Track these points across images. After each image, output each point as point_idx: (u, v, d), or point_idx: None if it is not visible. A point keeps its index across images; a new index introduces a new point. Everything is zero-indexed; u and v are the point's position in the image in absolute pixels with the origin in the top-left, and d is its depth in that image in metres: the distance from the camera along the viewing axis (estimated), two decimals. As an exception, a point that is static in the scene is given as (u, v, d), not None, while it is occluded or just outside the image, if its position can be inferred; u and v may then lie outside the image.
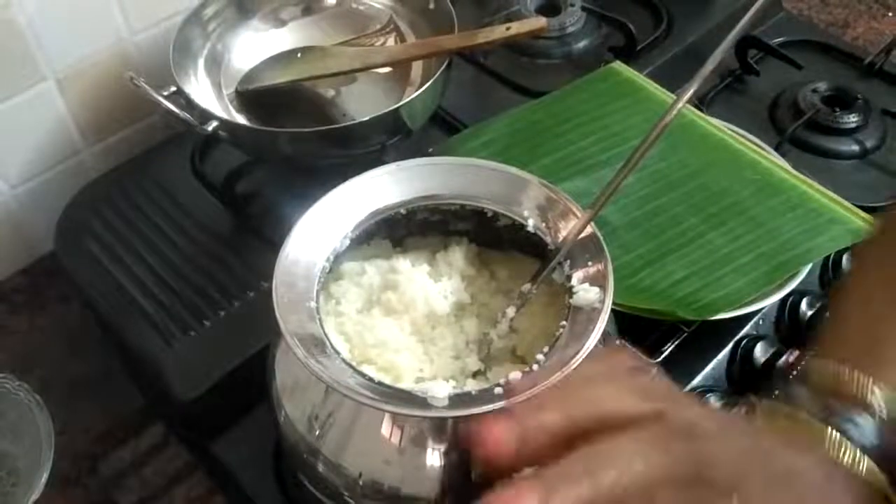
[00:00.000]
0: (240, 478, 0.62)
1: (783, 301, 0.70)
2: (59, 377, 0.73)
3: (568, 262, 0.49)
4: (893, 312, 0.42)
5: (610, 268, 0.47)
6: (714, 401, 0.64)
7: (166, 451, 0.69)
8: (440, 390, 0.42)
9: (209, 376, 0.63)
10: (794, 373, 0.42)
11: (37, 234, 0.81)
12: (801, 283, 0.66)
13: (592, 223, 0.49)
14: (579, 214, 0.50)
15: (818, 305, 0.70)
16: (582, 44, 0.94)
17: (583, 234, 0.49)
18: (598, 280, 0.47)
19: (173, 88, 0.72)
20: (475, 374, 0.51)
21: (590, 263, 0.48)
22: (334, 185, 0.52)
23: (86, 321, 0.76)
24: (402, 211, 0.53)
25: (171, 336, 0.66)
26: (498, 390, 0.42)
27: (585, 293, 0.47)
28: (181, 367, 0.64)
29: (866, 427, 0.39)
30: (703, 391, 0.65)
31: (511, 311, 0.51)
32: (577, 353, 0.43)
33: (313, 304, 0.46)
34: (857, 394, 0.39)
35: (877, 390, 0.39)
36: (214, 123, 0.70)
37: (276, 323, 0.45)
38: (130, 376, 0.73)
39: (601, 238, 0.49)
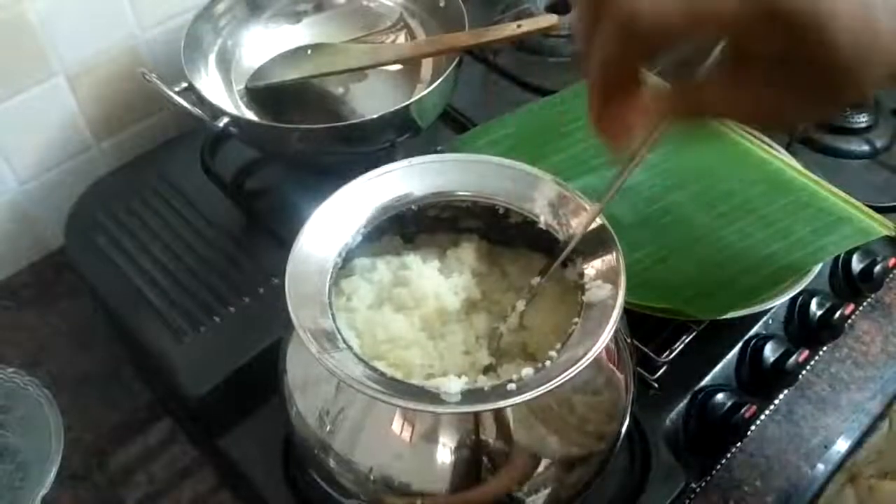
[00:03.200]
0: (248, 474, 0.62)
1: (793, 300, 0.70)
2: (67, 373, 0.73)
3: (580, 258, 0.49)
4: None
5: (622, 260, 0.47)
6: (723, 398, 0.64)
7: (174, 446, 0.69)
8: (453, 386, 0.42)
9: (218, 372, 0.63)
10: None
11: (46, 231, 0.81)
12: (811, 282, 0.66)
13: (602, 216, 0.49)
14: (589, 209, 0.50)
15: (828, 305, 0.70)
16: (591, 42, 0.93)
17: (593, 227, 0.49)
18: (609, 276, 0.47)
19: (184, 84, 0.73)
20: (486, 370, 0.51)
21: (601, 258, 0.48)
22: (343, 183, 0.52)
23: (95, 317, 0.76)
24: (413, 207, 0.53)
25: (181, 332, 0.66)
26: (511, 386, 0.42)
27: (598, 289, 0.46)
28: (190, 363, 0.64)
29: None
30: (712, 390, 0.65)
31: (521, 305, 0.51)
32: (589, 349, 0.43)
33: (325, 298, 0.46)
34: None
35: None
36: (225, 119, 0.70)
37: (288, 317, 0.45)
38: (139, 372, 0.73)
39: (611, 230, 0.49)
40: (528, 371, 0.43)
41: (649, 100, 0.37)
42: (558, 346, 0.45)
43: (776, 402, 0.68)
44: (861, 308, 0.75)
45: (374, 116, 0.70)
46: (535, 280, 0.51)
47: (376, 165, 0.54)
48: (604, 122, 0.38)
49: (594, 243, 0.49)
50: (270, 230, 0.74)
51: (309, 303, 0.46)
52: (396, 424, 0.45)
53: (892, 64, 0.31)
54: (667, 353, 0.65)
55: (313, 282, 0.47)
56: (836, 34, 0.30)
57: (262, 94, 0.80)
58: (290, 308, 0.45)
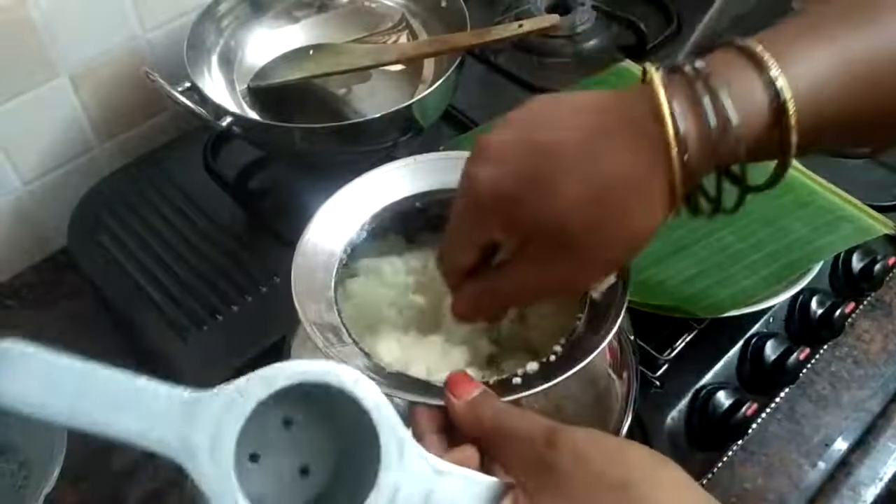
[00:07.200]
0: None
1: (793, 299, 0.70)
2: (70, 372, 0.73)
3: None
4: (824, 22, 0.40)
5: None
6: (724, 396, 0.65)
7: (177, 446, 0.69)
8: (457, 380, 0.43)
9: (222, 370, 0.63)
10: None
11: (49, 230, 0.81)
12: (811, 281, 0.67)
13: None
14: None
15: (828, 304, 0.70)
16: (592, 43, 0.94)
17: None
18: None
19: (187, 84, 0.73)
20: (489, 364, 0.51)
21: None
22: (345, 182, 0.53)
23: (97, 317, 0.76)
24: (418, 205, 0.53)
25: (184, 330, 0.66)
26: (516, 380, 0.42)
27: (602, 285, 0.47)
28: (194, 361, 0.65)
29: (739, 95, 0.37)
30: (713, 388, 0.65)
31: None
32: (594, 344, 0.43)
33: (331, 293, 0.47)
34: (761, 58, 0.38)
35: (779, 67, 0.38)
36: (228, 119, 0.70)
37: (293, 314, 0.45)
38: (142, 371, 0.73)
39: None
40: (532, 366, 0.43)
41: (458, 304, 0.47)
42: (562, 341, 0.45)
43: (777, 400, 0.69)
44: (861, 307, 0.75)
45: (376, 116, 0.70)
46: None
47: (377, 166, 0.54)
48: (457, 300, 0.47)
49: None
50: (273, 229, 0.74)
51: (314, 298, 0.46)
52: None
53: (618, 247, 0.42)
54: (668, 351, 0.65)
55: (319, 277, 0.47)
56: (573, 234, 0.40)
57: (265, 94, 0.80)
58: (296, 302, 0.45)
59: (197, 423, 0.32)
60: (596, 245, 0.41)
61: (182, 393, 0.33)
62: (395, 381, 0.43)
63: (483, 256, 0.45)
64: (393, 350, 0.49)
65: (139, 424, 0.32)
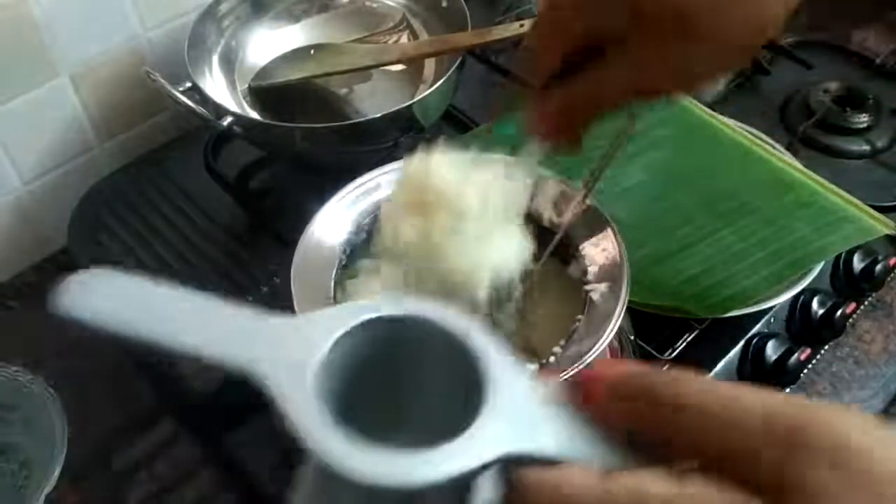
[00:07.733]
0: (252, 473, 0.62)
1: (795, 299, 0.70)
2: (71, 372, 0.73)
3: (584, 257, 0.49)
4: None
5: (625, 257, 0.48)
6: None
7: (178, 446, 0.69)
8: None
9: (223, 371, 0.63)
10: None
11: (50, 230, 0.81)
12: (812, 281, 0.67)
13: (606, 214, 0.50)
14: (577, 196, 0.50)
15: (829, 304, 0.70)
16: (593, 43, 0.94)
17: (598, 230, 0.49)
18: (613, 273, 0.47)
19: (188, 84, 0.73)
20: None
21: (605, 255, 0.49)
22: (346, 182, 0.53)
23: (98, 316, 0.76)
24: (418, 205, 0.53)
25: (185, 330, 0.66)
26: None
27: (601, 286, 0.47)
28: (195, 362, 0.64)
29: None
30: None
31: (517, 291, 0.51)
32: (593, 346, 0.43)
33: (330, 293, 0.47)
34: None
35: None
36: (229, 119, 0.70)
37: (294, 312, 0.45)
38: (142, 371, 0.73)
39: (614, 226, 0.49)
40: (532, 367, 0.43)
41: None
42: (562, 342, 0.45)
43: (778, 400, 0.68)
44: (862, 307, 0.75)
45: (377, 116, 0.70)
46: (530, 266, 0.52)
47: (378, 165, 0.54)
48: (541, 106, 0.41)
49: (597, 241, 0.50)
50: (274, 229, 0.74)
51: (314, 298, 0.46)
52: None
53: (741, 35, 0.38)
54: (669, 351, 0.65)
55: (318, 278, 0.47)
56: (692, 15, 0.36)
57: (266, 94, 0.80)
58: (295, 303, 0.45)
59: (278, 343, 0.29)
60: (717, 30, 0.36)
61: (249, 312, 0.30)
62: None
63: (571, 63, 0.39)
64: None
65: (219, 343, 0.29)
